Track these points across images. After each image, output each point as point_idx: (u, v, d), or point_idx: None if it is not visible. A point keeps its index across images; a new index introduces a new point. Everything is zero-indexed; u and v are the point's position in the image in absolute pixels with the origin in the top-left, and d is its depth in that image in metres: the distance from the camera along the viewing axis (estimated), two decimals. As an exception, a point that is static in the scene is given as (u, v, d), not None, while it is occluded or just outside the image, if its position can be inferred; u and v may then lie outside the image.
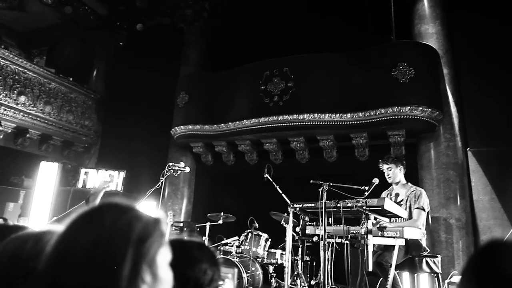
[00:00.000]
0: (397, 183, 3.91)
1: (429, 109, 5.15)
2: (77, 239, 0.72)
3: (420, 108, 5.11)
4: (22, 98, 7.21)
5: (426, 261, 3.36)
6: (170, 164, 3.57)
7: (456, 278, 4.28)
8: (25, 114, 7.27)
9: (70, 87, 8.29)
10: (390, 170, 3.84)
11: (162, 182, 3.35)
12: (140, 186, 6.49)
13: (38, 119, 7.52)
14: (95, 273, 0.67)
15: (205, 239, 5.25)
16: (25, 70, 7.37)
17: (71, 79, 8.34)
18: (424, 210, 3.59)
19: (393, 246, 3.08)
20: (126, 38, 9.11)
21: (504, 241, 0.75)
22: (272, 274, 5.04)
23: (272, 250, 5.06)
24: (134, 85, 8.50)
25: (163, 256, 0.77)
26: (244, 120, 6.07)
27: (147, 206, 6.37)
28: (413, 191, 3.77)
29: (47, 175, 6.67)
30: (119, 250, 0.69)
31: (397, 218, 3.59)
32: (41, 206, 6.47)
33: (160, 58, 8.22)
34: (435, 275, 3.42)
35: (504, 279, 0.68)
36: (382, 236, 3.02)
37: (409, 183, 3.91)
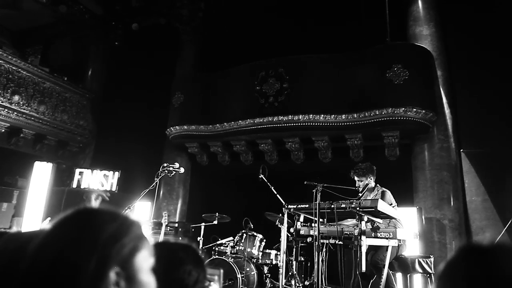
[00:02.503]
0: (368, 188, 3.97)
1: (423, 111, 5.18)
2: (51, 238, 0.74)
3: (414, 109, 5.15)
4: (16, 98, 7.16)
5: (419, 262, 3.38)
6: (165, 164, 3.57)
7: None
8: (19, 114, 7.22)
9: (64, 87, 8.24)
10: (361, 182, 3.92)
11: (156, 183, 3.34)
12: (135, 186, 6.48)
13: (32, 118, 7.47)
14: (62, 272, 0.68)
15: (200, 239, 5.25)
16: (19, 69, 7.32)
17: (65, 78, 8.30)
18: (394, 207, 3.71)
19: (384, 246, 3.11)
20: (121, 37, 9.08)
21: (480, 245, 0.76)
22: (266, 274, 5.05)
23: (267, 251, 5.07)
24: (130, 85, 8.47)
25: (144, 260, 0.77)
26: (239, 121, 6.07)
27: (142, 207, 6.37)
28: (377, 193, 3.87)
29: (41, 175, 6.63)
30: (85, 250, 0.70)
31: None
32: (35, 206, 6.44)
33: (156, 58, 8.20)
34: (428, 275, 3.45)
35: (477, 284, 0.69)
36: (376, 237, 3.04)
37: (377, 185, 3.99)
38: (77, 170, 7.35)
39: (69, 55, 9.41)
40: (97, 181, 7.21)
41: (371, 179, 3.95)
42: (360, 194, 3.57)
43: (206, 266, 1.12)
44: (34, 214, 6.37)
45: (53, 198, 6.66)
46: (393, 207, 3.67)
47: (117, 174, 7.26)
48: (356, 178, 3.97)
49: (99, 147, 8.92)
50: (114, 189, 7.19)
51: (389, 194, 3.83)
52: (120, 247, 0.73)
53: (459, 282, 0.73)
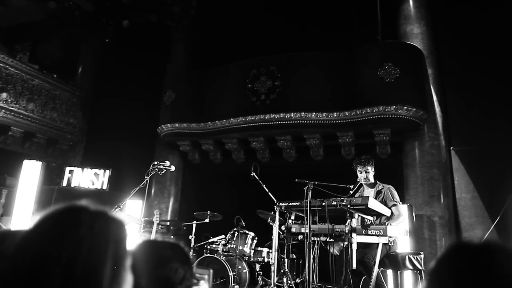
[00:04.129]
0: (367, 183, 3.93)
1: (414, 109, 5.22)
2: (56, 241, 0.69)
3: (405, 107, 5.18)
4: (4, 95, 7.05)
5: (409, 258, 3.41)
6: (155, 162, 3.55)
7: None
8: (7, 111, 7.11)
9: (54, 84, 8.14)
10: (367, 172, 3.84)
11: (147, 181, 3.32)
12: (126, 184, 6.41)
13: (21, 116, 7.37)
14: (79, 274, 0.65)
15: (192, 237, 5.23)
16: (7, 66, 7.21)
17: (55, 76, 8.20)
18: (399, 204, 3.69)
19: (374, 244, 3.12)
20: (112, 35, 8.99)
21: (469, 243, 0.76)
22: (258, 272, 5.05)
23: (259, 249, 5.07)
24: (120, 83, 8.40)
25: (127, 259, 0.77)
26: (231, 119, 6.06)
27: (133, 205, 6.33)
28: (381, 189, 3.81)
29: (30, 174, 6.53)
30: (101, 250, 0.69)
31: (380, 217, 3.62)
32: (24, 205, 6.35)
33: (147, 56, 8.13)
34: (418, 272, 3.48)
35: (465, 283, 0.69)
36: (366, 234, 3.05)
37: (377, 181, 3.92)
38: (67, 169, 7.27)
39: (59, 52, 9.28)
40: (88, 180, 7.14)
41: (373, 170, 3.89)
42: (352, 192, 3.57)
43: (193, 264, 1.12)
44: (23, 213, 6.29)
45: (43, 197, 6.58)
46: (398, 203, 3.67)
47: (108, 172, 7.20)
48: (359, 169, 3.85)
49: (89, 145, 8.83)
50: (105, 187, 7.13)
51: (395, 191, 3.80)
52: (125, 246, 0.74)
53: (447, 279, 0.73)
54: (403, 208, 3.73)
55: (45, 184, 6.86)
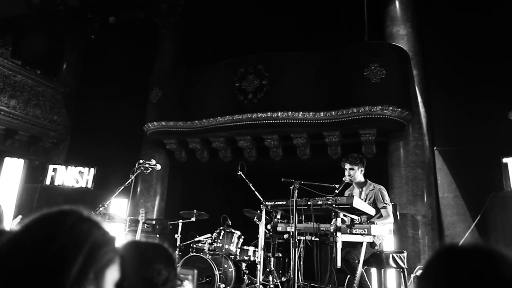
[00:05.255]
0: (356, 183, 3.94)
1: (399, 109, 5.30)
2: (33, 232, 0.73)
3: (391, 108, 5.25)
4: (-15, 91, 6.88)
5: (393, 257, 3.46)
6: (141, 161, 3.51)
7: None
8: (-12, 108, 6.94)
9: (37, 81, 7.97)
10: (352, 170, 3.84)
11: (132, 180, 3.28)
12: (111, 183, 6.31)
13: (2, 113, 7.19)
14: (45, 266, 0.68)
15: (178, 236, 5.20)
16: (-12, 62, 7.03)
17: (38, 72, 8.03)
18: (389, 205, 3.72)
19: (359, 243, 3.16)
20: (98, 31, 8.84)
21: (458, 246, 0.77)
22: (244, 271, 5.05)
23: (245, 247, 5.07)
24: (106, 80, 8.28)
25: (112, 274, 0.77)
26: (218, 117, 6.04)
27: (118, 204, 6.26)
28: (372, 190, 3.83)
29: (12, 172, 6.39)
30: (73, 249, 0.70)
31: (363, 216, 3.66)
32: (5, 204, 6.20)
33: (134, 53, 8.04)
34: (401, 270, 3.54)
35: (455, 286, 0.70)
36: (351, 233, 3.09)
37: (368, 181, 3.94)
38: (51, 167, 7.13)
39: (43, 48, 9.07)
40: (72, 178, 7.02)
41: (361, 171, 3.88)
42: (337, 191, 3.59)
43: (177, 265, 1.11)
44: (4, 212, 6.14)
45: (25, 195, 6.45)
46: (388, 205, 3.70)
47: (92, 170, 7.09)
48: (347, 166, 3.85)
49: (74, 143, 8.69)
50: (89, 186, 7.03)
51: (386, 193, 3.81)
52: (103, 254, 0.74)
53: (436, 282, 0.74)
54: (391, 210, 3.77)
55: (27, 183, 6.71)
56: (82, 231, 0.73)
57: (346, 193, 4.01)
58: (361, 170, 3.90)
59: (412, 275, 4.35)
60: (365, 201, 3.74)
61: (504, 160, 4.33)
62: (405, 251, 3.64)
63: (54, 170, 7.05)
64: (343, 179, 3.78)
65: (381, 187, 3.86)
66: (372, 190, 3.83)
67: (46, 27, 9.22)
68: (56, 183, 6.93)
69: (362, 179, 3.92)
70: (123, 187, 3.24)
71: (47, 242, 0.70)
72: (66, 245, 0.70)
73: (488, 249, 0.74)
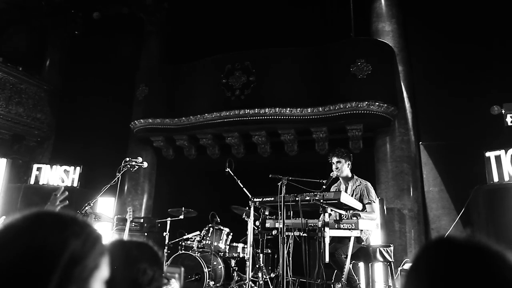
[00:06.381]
0: (343, 177, 3.98)
1: (385, 105, 5.35)
2: (3, 251, 0.66)
3: (377, 103, 5.30)
4: (-35, 89, 6.68)
5: (380, 251, 3.51)
6: (127, 159, 3.46)
7: (408, 265, 4.52)
8: (-32, 106, 6.75)
9: (20, 78, 7.77)
10: (340, 163, 3.87)
11: (118, 178, 3.24)
12: (98, 181, 6.21)
13: (-17, 111, 7.01)
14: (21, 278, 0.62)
15: (166, 234, 5.17)
16: (-33, 58, 6.83)
17: (20, 68, 7.83)
18: (374, 202, 3.76)
19: (346, 238, 3.20)
20: (82, 27, 8.66)
21: (451, 238, 0.77)
22: (234, 267, 5.06)
23: (234, 244, 5.08)
24: (91, 77, 8.14)
25: (100, 274, 0.72)
26: (206, 114, 6.01)
27: (105, 202, 6.18)
28: (359, 185, 3.86)
29: (-6, 171, 6.25)
30: (44, 271, 0.63)
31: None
32: (-12, 204, 6.07)
33: (119, 49, 7.92)
34: (388, 263, 3.59)
35: (442, 280, 0.70)
36: (339, 228, 3.12)
37: (355, 176, 3.97)
38: (35, 166, 6.98)
39: (25, 44, 8.85)
40: (57, 177, 6.89)
41: (348, 165, 3.91)
42: (325, 186, 3.61)
43: (163, 264, 1.10)
44: (-13, 213, 6.01)
45: (9, 195, 6.32)
46: (373, 202, 3.73)
47: (78, 169, 6.97)
48: (334, 160, 3.87)
49: (59, 141, 8.52)
50: (75, 185, 6.92)
51: (372, 189, 3.85)
52: (83, 267, 0.67)
53: (423, 276, 0.74)
54: (377, 206, 3.82)
55: (11, 182, 6.57)
56: (56, 245, 0.66)
57: (333, 188, 4.03)
58: (348, 164, 3.92)
59: (399, 268, 4.41)
60: (351, 196, 3.77)
61: (487, 154, 4.41)
62: (391, 245, 3.69)
63: (39, 169, 6.91)
64: (331, 174, 3.80)
65: (368, 183, 3.89)
66: (358, 185, 3.86)
67: (27, 23, 8.99)
68: (40, 183, 6.80)
69: (349, 174, 3.95)
70: (109, 185, 3.19)
71: (14, 265, 0.63)
72: (38, 265, 0.63)
73: (476, 242, 0.73)
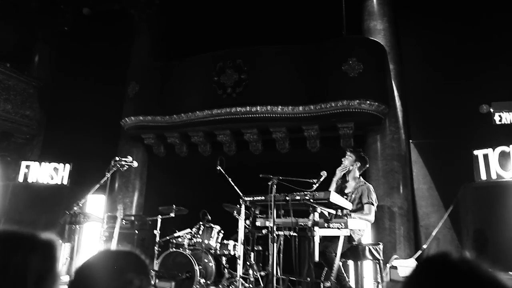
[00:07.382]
0: (350, 175, 4.11)
1: (376, 103, 5.38)
2: None
3: (368, 102, 5.33)
4: (-49, 85, 6.56)
5: (369, 249, 3.55)
6: (117, 158, 3.44)
7: (396, 262, 4.58)
8: (-46, 103, 6.63)
9: (7, 74, 7.65)
10: (347, 159, 4.06)
11: (108, 178, 3.21)
12: (88, 179, 6.14)
13: (-30, 108, 6.90)
14: None
15: (157, 232, 5.15)
16: (-46, 54, 6.70)
17: (8, 65, 7.70)
18: (373, 204, 3.81)
19: (337, 237, 3.22)
20: (71, 22, 8.55)
21: (445, 258, 0.75)
22: (225, 265, 5.07)
23: (225, 242, 5.08)
24: (81, 73, 8.05)
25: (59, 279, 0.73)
26: (197, 112, 5.98)
27: (96, 200, 6.13)
28: (362, 185, 3.98)
29: (-18, 169, 6.16)
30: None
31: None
32: (-25, 203, 5.98)
33: (110, 46, 7.82)
34: (377, 261, 3.63)
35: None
36: (328, 227, 3.13)
37: (361, 178, 4.11)
38: (24, 163, 6.88)
39: (12, 40, 8.70)
40: (47, 175, 6.82)
41: (357, 166, 4.08)
42: (315, 186, 3.63)
43: (150, 272, 1.09)
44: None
45: (-3, 193, 6.23)
46: (373, 203, 3.81)
47: (68, 166, 6.89)
48: (347, 154, 4.10)
49: (48, 139, 8.43)
50: (65, 182, 6.84)
51: (373, 192, 3.94)
52: (49, 280, 0.68)
53: None
54: (375, 209, 3.86)
55: (-1, 180, 6.49)
56: (18, 269, 0.65)
57: (334, 180, 4.12)
58: (357, 164, 4.09)
59: (388, 265, 4.46)
60: (353, 193, 3.86)
61: (475, 152, 4.47)
62: (381, 243, 3.73)
63: (27, 166, 6.81)
64: (321, 173, 3.83)
65: (370, 185, 4.02)
66: (361, 185, 3.98)
67: (15, 18, 8.83)
68: (29, 180, 6.71)
69: (356, 174, 4.09)
70: (98, 185, 3.17)
71: None
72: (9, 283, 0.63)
73: (469, 265, 0.72)
